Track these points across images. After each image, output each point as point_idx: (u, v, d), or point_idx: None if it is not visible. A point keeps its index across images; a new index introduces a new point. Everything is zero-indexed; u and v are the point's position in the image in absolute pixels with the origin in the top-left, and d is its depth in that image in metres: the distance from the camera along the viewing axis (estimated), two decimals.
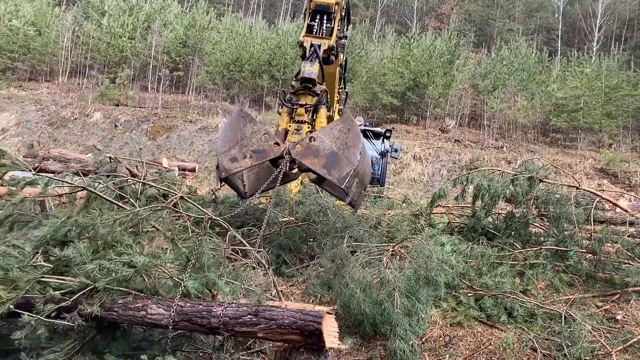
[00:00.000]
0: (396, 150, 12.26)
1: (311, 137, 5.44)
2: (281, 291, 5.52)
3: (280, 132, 6.25)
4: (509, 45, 39.45)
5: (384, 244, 5.56)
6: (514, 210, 7.10)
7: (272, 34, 38.21)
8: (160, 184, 6.59)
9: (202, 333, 3.91)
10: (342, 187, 5.13)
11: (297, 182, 9.11)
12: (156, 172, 7.75)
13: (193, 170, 14.36)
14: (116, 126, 28.54)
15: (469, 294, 5.45)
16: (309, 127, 6.27)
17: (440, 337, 4.91)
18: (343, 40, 8.67)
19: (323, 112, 6.45)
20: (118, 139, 27.40)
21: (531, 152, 29.35)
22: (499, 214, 7.56)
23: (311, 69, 6.50)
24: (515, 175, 7.02)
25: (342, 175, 5.16)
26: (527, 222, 6.96)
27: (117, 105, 31.76)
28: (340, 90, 11.72)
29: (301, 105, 6.36)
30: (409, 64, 34.43)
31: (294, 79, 6.47)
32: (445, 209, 8.33)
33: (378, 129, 12.89)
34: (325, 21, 7.37)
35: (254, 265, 6.02)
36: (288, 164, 5.47)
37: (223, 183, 5.86)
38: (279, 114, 6.40)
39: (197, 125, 28.39)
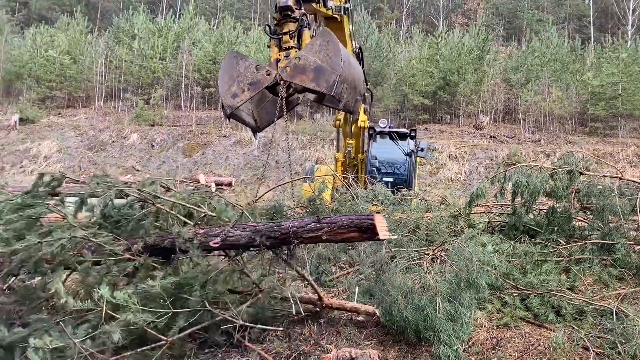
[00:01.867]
0: (422, 149, 12.19)
1: (296, 57, 5.99)
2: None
3: (272, 63, 6.58)
4: (540, 36, 38.67)
5: (423, 248, 5.51)
6: (555, 205, 6.91)
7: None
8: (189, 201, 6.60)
9: (275, 246, 4.60)
10: (332, 94, 5.72)
11: (329, 190, 9.20)
12: (193, 190, 7.81)
13: (230, 184, 14.53)
14: (153, 146, 29.17)
15: (514, 294, 5.34)
16: (296, 52, 6.53)
17: (487, 339, 4.82)
18: (347, 5, 9.15)
19: (306, 33, 6.71)
20: (155, 158, 27.99)
21: (570, 143, 28.64)
22: (540, 210, 7.37)
23: None
24: (555, 169, 6.84)
25: (330, 84, 5.72)
26: (570, 217, 6.77)
27: (153, 125, 32.47)
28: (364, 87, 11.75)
29: (284, 33, 6.66)
30: (437, 63, 34.16)
31: (275, 11, 6.84)
32: (485, 208, 8.17)
33: (402, 130, 12.83)
34: None
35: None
36: (284, 88, 6.04)
37: (230, 120, 6.63)
38: (269, 47, 6.78)
39: (232, 140, 28.77)
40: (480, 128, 32.47)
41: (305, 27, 6.77)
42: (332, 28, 9.28)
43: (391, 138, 12.24)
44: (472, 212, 7.49)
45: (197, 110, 34.76)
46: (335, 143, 13.79)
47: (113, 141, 30.13)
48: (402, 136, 12.34)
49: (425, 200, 9.14)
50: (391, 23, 52.28)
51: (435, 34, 37.87)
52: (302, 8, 6.86)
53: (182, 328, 4.06)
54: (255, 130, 7.03)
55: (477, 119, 33.64)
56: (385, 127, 12.25)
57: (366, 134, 12.23)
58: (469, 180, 25.32)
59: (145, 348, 3.86)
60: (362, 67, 11.13)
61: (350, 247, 6.66)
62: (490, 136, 30.77)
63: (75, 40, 39.94)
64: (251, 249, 4.67)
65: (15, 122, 32.57)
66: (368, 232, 4.30)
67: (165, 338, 3.89)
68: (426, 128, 33.01)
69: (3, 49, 40.00)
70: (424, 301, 4.45)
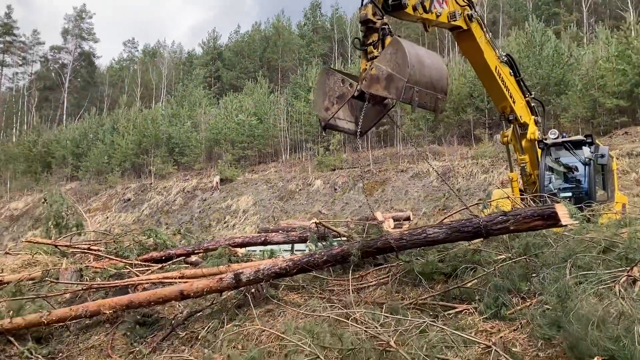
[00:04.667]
0: (603, 156, 10.77)
1: (372, 68, 6.56)
2: (503, 336, 5.07)
3: (361, 74, 7.01)
4: None
5: (615, 270, 4.77)
6: None
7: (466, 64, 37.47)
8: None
9: (467, 239, 5.71)
10: (401, 100, 6.19)
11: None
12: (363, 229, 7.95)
13: (408, 218, 14.38)
14: (335, 189, 30.40)
15: None
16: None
17: None
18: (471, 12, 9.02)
19: (388, 40, 6.92)
20: (339, 200, 29.06)
21: None
22: None
23: (363, 12, 7.12)
24: None
25: (399, 90, 6.18)
26: None
27: (334, 170, 33.92)
28: (529, 98, 10.95)
29: (369, 44, 7.03)
30: (630, 58, 30.51)
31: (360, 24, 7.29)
32: None
33: (577, 137, 11.49)
34: None
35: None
36: (369, 97, 6.68)
37: (327, 131, 7.55)
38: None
39: (409, 174, 28.74)
40: None
41: (388, 34, 7.04)
42: (462, 38, 9.03)
43: (566, 148, 11.08)
44: None
45: (373, 150, 35.53)
46: (507, 162, 12.93)
47: (300, 189, 32.08)
48: (578, 145, 11.08)
49: (622, 214, 7.99)
50: (570, 26, 48.42)
51: (623, 27, 34.05)
52: (384, 18, 7.18)
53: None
54: (357, 136, 7.53)
55: None
56: (556, 138, 11.16)
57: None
58: None
59: None
60: (518, 76, 10.56)
61: (532, 275, 6.05)
62: None
63: (260, 102, 43.90)
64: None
65: (217, 182, 36.59)
66: (550, 219, 4.81)
67: None
68: (626, 132, 29.46)
69: (203, 120, 45.50)
70: (619, 331, 3.80)
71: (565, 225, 4.96)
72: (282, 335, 5.36)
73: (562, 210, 4.86)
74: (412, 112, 7.93)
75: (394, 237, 5.80)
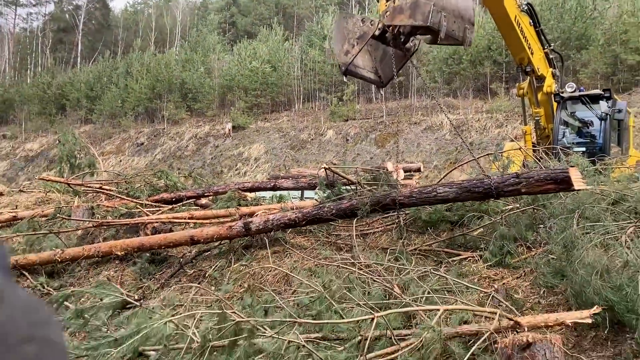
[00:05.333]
0: (620, 111, 10.53)
1: (394, 1, 6.17)
2: (506, 283, 5.11)
3: (381, 15, 6.70)
4: None
5: (624, 222, 4.74)
6: None
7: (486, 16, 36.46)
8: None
9: (478, 199, 5.72)
10: (429, 24, 5.79)
11: (518, 165, 8.50)
12: (373, 177, 7.95)
13: (418, 170, 14.32)
14: (347, 140, 30.26)
15: None
16: None
17: None
18: None
19: None
20: (350, 151, 28.98)
21: None
22: None
23: None
24: None
25: (425, 15, 5.80)
26: None
27: (347, 120, 33.66)
28: (547, 49, 10.65)
29: None
30: None
31: None
32: None
33: (595, 92, 11.21)
34: None
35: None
36: (393, 35, 6.37)
37: (348, 77, 7.17)
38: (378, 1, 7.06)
39: (422, 126, 28.49)
40: None
41: None
42: None
43: (582, 103, 10.84)
44: None
45: (387, 102, 35.12)
46: (522, 115, 12.72)
47: (312, 139, 31.98)
48: (595, 99, 10.83)
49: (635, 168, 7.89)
50: None
51: None
52: None
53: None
54: (380, 86, 7.48)
55: None
56: (574, 91, 10.90)
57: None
58: None
59: None
60: (538, 26, 10.27)
61: (539, 225, 6.04)
62: None
63: (275, 50, 43.20)
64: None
65: (229, 130, 36.51)
66: (563, 183, 4.80)
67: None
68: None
69: (217, 66, 45.03)
70: (622, 280, 3.81)
71: (579, 190, 4.92)
72: (290, 273, 5.45)
73: (575, 175, 4.84)
74: (439, 41, 7.32)
75: (403, 194, 5.78)
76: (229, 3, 65.16)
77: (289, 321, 3.51)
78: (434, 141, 26.73)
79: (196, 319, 3.67)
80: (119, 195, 9.67)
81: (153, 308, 4.07)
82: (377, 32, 6.53)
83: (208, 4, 70.77)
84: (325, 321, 3.65)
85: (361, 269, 5.23)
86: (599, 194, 5.98)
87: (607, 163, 7.82)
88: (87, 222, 8.11)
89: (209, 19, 60.84)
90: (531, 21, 10.20)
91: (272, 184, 9.87)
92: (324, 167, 7.43)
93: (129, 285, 6.52)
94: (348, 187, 7.56)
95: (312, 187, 9.34)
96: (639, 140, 21.58)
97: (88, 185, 10.36)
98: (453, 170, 10.68)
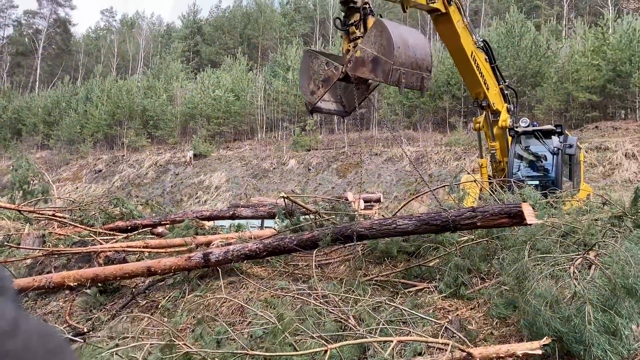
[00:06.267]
0: (571, 146, 10.95)
1: (356, 51, 6.47)
2: (460, 314, 5.14)
3: (344, 55, 7.01)
4: None
5: (572, 254, 4.86)
6: None
7: (445, 52, 37.61)
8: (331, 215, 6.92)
9: (435, 232, 5.77)
10: (389, 82, 6.13)
11: (474, 197, 8.68)
12: (332, 207, 7.95)
13: (378, 200, 14.41)
14: (309, 170, 30.36)
15: None
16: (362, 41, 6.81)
17: None
18: None
19: (370, 21, 6.85)
20: (312, 181, 29.06)
21: None
22: None
23: None
24: None
25: (386, 73, 6.12)
26: None
27: (309, 150, 33.85)
28: (503, 85, 11.03)
29: (351, 24, 6.95)
30: (605, 54, 30.95)
31: (340, 4, 7.16)
32: None
33: (547, 127, 11.66)
34: None
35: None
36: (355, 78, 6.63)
37: (314, 115, 7.47)
38: (342, 38, 7.25)
39: (383, 157, 28.86)
40: None
41: (369, 14, 6.92)
42: (440, 21, 9.07)
43: (535, 137, 11.23)
44: None
45: (348, 132, 35.56)
46: (479, 148, 13.07)
47: (274, 168, 31.96)
48: (548, 134, 11.24)
49: (585, 200, 8.15)
50: (550, 20, 48.86)
51: (600, 23, 34.46)
52: None
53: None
54: (344, 115, 7.76)
55: None
56: (527, 126, 11.29)
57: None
58: None
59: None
60: (493, 62, 10.63)
61: (492, 257, 6.14)
62: None
63: (238, 79, 43.37)
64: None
65: (191, 157, 36.19)
66: (516, 217, 5.00)
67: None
68: (596, 126, 30.01)
69: (179, 94, 44.83)
70: (570, 311, 3.88)
71: (531, 224, 5.06)
72: (245, 305, 5.36)
73: (528, 210, 5.03)
74: (400, 93, 7.83)
75: (364, 226, 5.82)
76: (194, 32, 65.34)
77: (241, 353, 3.45)
78: (394, 172, 27.09)
79: (144, 350, 3.56)
80: (72, 223, 9.39)
81: (100, 340, 3.93)
82: (341, 76, 6.82)
83: (172, 31, 70.77)
84: (278, 354, 3.59)
85: (317, 300, 5.19)
86: (550, 226, 6.14)
87: (558, 196, 8.04)
88: (37, 251, 7.81)
89: (172, 46, 60.80)
90: (487, 57, 10.55)
91: (231, 213, 9.77)
92: (283, 196, 7.40)
93: (78, 317, 6.30)
94: (307, 217, 7.55)
95: (271, 216, 9.28)
96: (590, 175, 22.42)
97: (40, 212, 10.03)
98: (411, 201, 10.81)
